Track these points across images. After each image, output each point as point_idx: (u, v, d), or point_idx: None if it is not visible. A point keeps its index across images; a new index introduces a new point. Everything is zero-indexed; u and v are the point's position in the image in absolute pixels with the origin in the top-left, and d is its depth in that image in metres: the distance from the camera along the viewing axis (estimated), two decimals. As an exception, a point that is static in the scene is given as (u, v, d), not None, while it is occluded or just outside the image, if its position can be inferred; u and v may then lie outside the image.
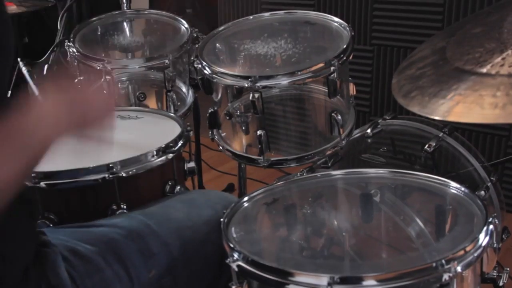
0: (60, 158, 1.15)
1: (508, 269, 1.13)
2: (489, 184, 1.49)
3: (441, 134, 1.58)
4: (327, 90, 1.49)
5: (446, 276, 0.90)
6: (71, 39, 1.90)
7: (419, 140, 1.61)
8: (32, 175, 1.25)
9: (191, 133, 1.48)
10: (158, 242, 1.13)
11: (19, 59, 2.06)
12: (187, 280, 1.15)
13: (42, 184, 1.25)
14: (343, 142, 1.55)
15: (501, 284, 1.11)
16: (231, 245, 1.01)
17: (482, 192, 1.43)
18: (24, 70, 2.02)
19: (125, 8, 2.17)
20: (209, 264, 1.18)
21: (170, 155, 1.35)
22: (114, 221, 1.18)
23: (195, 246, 1.17)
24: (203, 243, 1.18)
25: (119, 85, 1.90)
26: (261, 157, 1.54)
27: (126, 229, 1.13)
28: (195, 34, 1.98)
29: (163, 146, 1.35)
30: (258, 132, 1.51)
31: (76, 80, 1.83)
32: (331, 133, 1.55)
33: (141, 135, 1.51)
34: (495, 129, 2.34)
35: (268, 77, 1.47)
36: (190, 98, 1.98)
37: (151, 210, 1.24)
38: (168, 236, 1.14)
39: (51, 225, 1.26)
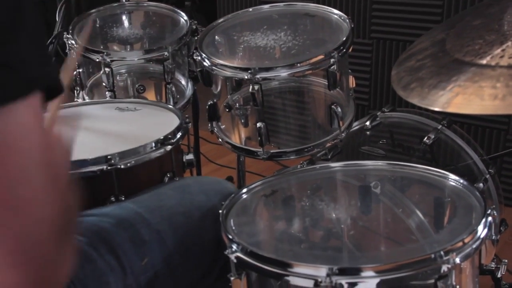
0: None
1: (506, 261, 1.13)
2: (487, 176, 1.49)
3: (439, 127, 1.58)
4: (326, 83, 1.49)
5: (444, 268, 0.90)
6: (70, 31, 1.89)
7: (417, 132, 1.61)
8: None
9: (190, 125, 1.47)
10: (149, 229, 1.11)
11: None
12: (183, 267, 1.14)
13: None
14: (343, 134, 1.55)
15: (499, 275, 1.11)
16: (230, 237, 1.01)
17: (481, 185, 1.43)
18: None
19: (124, 0, 2.17)
20: (204, 250, 1.17)
21: (169, 147, 1.35)
22: (104, 211, 1.16)
23: (188, 233, 1.15)
24: (197, 229, 1.17)
25: (117, 77, 1.90)
26: (261, 149, 1.54)
27: (116, 218, 1.12)
28: (194, 26, 1.97)
29: (162, 138, 1.35)
30: (258, 124, 1.51)
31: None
32: (331, 126, 1.55)
33: (140, 127, 1.51)
34: (494, 122, 2.34)
35: (267, 69, 1.47)
36: (189, 91, 1.97)
37: (142, 198, 1.23)
38: (159, 224, 1.13)
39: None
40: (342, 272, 0.89)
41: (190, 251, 1.15)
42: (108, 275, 1.04)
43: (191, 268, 1.16)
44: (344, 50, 1.50)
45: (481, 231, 0.97)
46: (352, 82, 1.63)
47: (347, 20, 1.59)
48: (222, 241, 1.04)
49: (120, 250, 1.07)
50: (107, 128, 1.49)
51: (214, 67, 1.54)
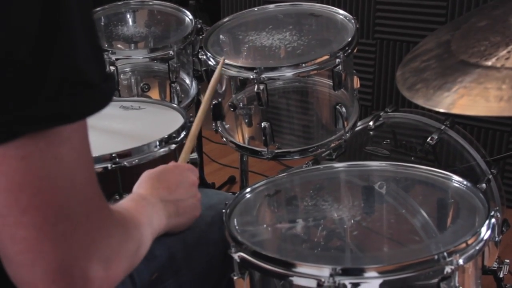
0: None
1: (508, 261, 1.14)
2: (490, 177, 1.49)
3: (442, 127, 1.58)
4: (331, 83, 1.49)
5: (448, 269, 0.90)
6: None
7: (420, 133, 1.61)
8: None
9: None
10: (160, 244, 1.08)
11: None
12: (192, 282, 1.13)
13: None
14: (347, 134, 1.55)
15: (501, 276, 1.12)
16: (233, 236, 1.02)
17: (483, 185, 1.43)
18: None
19: (129, -2, 2.17)
20: (212, 264, 1.17)
21: (173, 146, 1.35)
22: None
23: (197, 247, 1.15)
24: (205, 244, 1.17)
25: (122, 76, 1.91)
26: (265, 149, 1.54)
27: None
28: (199, 25, 1.98)
29: (166, 136, 1.35)
30: (262, 124, 1.51)
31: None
32: (335, 126, 1.55)
33: (144, 125, 1.51)
34: (497, 124, 2.34)
35: (272, 69, 1.47)
36: (193, 90, 1.98)
37: None
38: (170, 239, 1.11)
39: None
40: (345, 272, 0.89)
41: (198, 264, 1.15)
42: None
43: (199, 280, 1.15)
44: (350, 50, 1.50)
45: (485, 232, 0.97)
46: (356, 82, 1.63)
47: (353, 20, 1.59)
48: (227, 255, 1.04)
49: None
50: (112, 126, 1.49)
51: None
